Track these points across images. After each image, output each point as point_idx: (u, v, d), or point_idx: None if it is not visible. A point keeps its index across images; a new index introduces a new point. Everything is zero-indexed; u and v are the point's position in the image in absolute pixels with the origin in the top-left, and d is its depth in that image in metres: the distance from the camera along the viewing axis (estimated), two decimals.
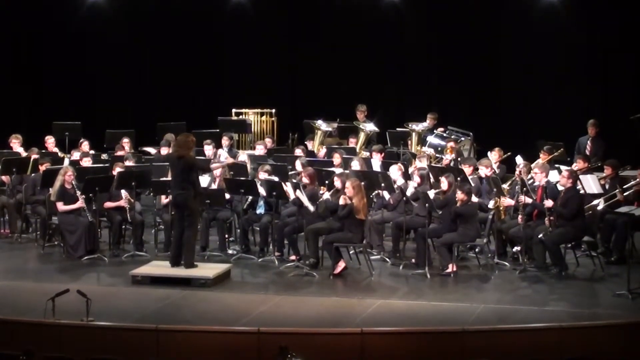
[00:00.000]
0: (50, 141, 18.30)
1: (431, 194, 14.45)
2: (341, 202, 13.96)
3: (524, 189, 14.22)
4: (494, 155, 16.50)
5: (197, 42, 22.23)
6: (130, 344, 10.64)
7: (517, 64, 21.01)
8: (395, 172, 15.32)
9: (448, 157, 17.35)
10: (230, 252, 15.17)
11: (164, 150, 17.79)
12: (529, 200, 14.16)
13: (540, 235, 13.87)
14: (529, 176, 15.05)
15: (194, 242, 14.09)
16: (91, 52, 22.38)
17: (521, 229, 14.15)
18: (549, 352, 10.49)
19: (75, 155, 17.22)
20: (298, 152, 17.47)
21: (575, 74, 20.76)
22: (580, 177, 14.88)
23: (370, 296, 13.14)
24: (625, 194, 14.64)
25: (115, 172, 15.43)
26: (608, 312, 12.33)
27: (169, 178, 14.55)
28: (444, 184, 14.34)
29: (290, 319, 12.09)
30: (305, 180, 14.80)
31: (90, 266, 14.58)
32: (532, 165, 15.61)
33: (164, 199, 15.22)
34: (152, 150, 18.51)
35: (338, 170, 15.79)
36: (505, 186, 14.97)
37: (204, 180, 15.11)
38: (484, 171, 15.09)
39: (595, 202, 14.71)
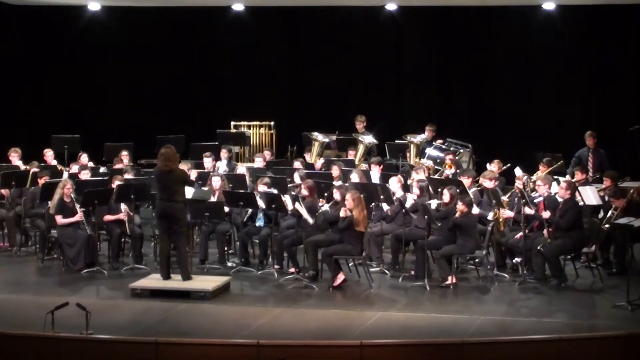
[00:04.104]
0: (49, 154, 18.33)
1: (433, 204, 14.46)
2: (342, 214, 13.97)
3: (523, 200, 14.24)
4: (493, 167, 16.53)
5: (196, 55, 22.26)
6: (129, 357, 10.63)
7: (516, 75, 21.05)
8: (394, 184, 15.35)
9: (448, 172, 17.29)
10: (229, 264, 15.18)
11: None
12: (530, 212, 14.17)
13: (540, 247, 13.88)
14: (530, 187, 15.10)
15: (187, 253, 14.07)
16: (90, 64, 22.40)
17: (522, 240, 14.18)
18: None
19: (74, 168, 17.22)
20: (297, 164, 17.49)
21: (574, 86, 20.82)
22: (580, 188, 14.90)
23: (369, 308, 13.13)
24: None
25: (114, 185, 15.44)
26: (607, 323, 12.32)
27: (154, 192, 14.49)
28: (446, 196, 14.34)
29: (290, 331, 12.08)
30: (304, 192, 14.81)
31: (90, 279, 14.57)
32: (535, 178, 15.64)
33: None
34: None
35: (337, 183, 15.80)
36: (504, 198, 14.98)
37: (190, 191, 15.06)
38: (487, 184, 15.07)
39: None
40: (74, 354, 10.67)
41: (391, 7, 21.24)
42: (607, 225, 14.41)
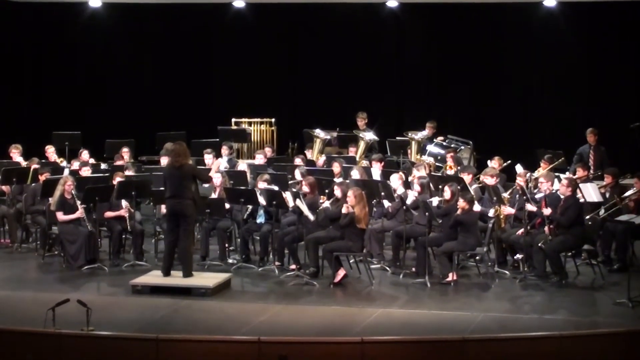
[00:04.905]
0: (50, 151, 18.31)
1: (435, 201, 14.46)
2: (343, 210, 13.96)
3: (524, 197, 14.24)
4: (494, 164, 16.53)
5: (197, 51, 22.26)
6: (130, 354, 10.64)
7: (517, 72, 21.05)
8: (395, 180, 15.34)
9: (449, 173, 17.23)
10: (230, 261, 15.18)
11: (164, 160, 17.80)
12: (532, 209, 14.17)
13: (540, 244, 13.88)
14: (532, 184, 15.11)
15: (191, 251, 14.09)
16: (91, 61, 22.41)
17: (523, 237, 14.19)
18: None
19: (75, 165, 17.22)
20: (298, 161, 17.49)
21: (575, 83, 20.79)
22: (580, 185, 14.89)
23: (370, 305, 13.13)
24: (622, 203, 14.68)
25: (115, 182, 15.44)
26: (608, 320, 12.33)
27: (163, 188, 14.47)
28: (447, 193, 14.34)
29: (291, 328, 12.08)
30: (305, 189, 14.81)
31: (91, 276, 14.58)
32: (537, 175, 15.64)
33: (164, 209, 15.21)
34: None
35: (338, 180, 15.80)
36: (505, 195, 14.98)
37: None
38: (489, 181, 15.07)
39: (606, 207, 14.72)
40: (74, 350, 10.67)
41: (392, 3, 21.25)
42: (627, 194, 14.55)
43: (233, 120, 20.84)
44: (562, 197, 14.16)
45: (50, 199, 15.19)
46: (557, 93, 20.89)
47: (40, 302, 11.96)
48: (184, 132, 19.58)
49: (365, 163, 17.87)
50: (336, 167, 16.66)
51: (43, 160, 17.59)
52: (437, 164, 18.27)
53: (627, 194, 14.80)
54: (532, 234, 14.18)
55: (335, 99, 21.35)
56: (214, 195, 15.45)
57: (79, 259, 14.80)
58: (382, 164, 17.15)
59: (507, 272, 14.51)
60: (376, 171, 16.86)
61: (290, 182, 15.88)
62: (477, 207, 14.50)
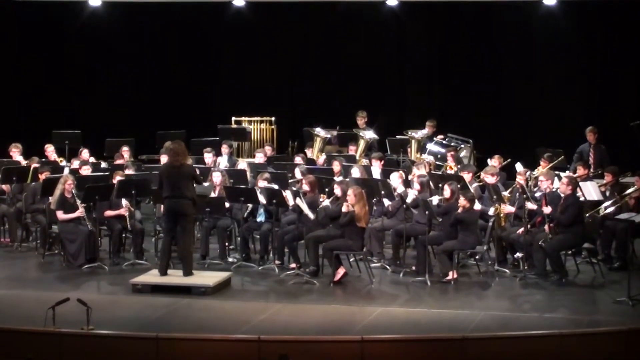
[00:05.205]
0: (50, 149, 18.31)
1: (435, 200, 14.46)
2: (344, 209, 13.96)
3: (524, 195, 14.24)
4: (494, 163, 16.53)
5: (197, 50, 22.24)
6: (130, 353, 10.64)
7: (517, 71, 21.03)
8: (395, 179, 15.34)
9: (449, 172, 17.22)
10: (230, 260, 15.18)
11: (164, 159, 17.79)
12: (533, 207, 14.17)
13: (540, 242, 13.88)
14: (532, 182, 15.11)
15: (191, 250, 14.08)
16: (91, 60, 22.39)
17: (523, 235, 14.19)
18: (549, 359, 10.50)
19: (75, 163, 17.22)
20: (298, 160, 17.49)
21: (575, 81, 20.78)
22: (581, 184, 14.89)
23: (370, 304, 13.14)
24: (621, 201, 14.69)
25: (115, 181, 15.43)
26: (608, 318, 12.33)
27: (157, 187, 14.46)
28: (447, 191, 14.34)
29: (291, 326, 12.08)
30: (305, 187, 14.81)
31: (91, 275, 14.58)
32: (537, 174, 15.63)
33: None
34: None
35: (338, 178, 15.80)
36: (505, 193, 14.98)
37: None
38: (489, 179, 15.07)
39: (607, 206, 14.71)
40: (75, 349, 10.68)
41: (392, 2, 21.23)
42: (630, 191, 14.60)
43: (233, 118, 20.84)
44: (562, 195, 14.16)
45: (50, 198, 15.19)
46: (557, 92, 20.86)
47: (41, 301, 11.97)
48: (184, 130, 19.58)
49: (365, 162, 17.86)
50: (336, 166, 16.65)
51: (43, 159, 17.58)
52: (437, 162, 18.26)
53: (629, 191, 14.79)
54: (532, 233, 14.19)
55: (335, 97, 21.35)
56: (213, 194, 15.45)
57: (79, 257, 14.80)
58: (382, 162, 17.15)
59: (507, 270, 14.51)
60: (376, 170, 16.86)
61: (290, 181, 15.88)
62: (477, 206, 14.50)
